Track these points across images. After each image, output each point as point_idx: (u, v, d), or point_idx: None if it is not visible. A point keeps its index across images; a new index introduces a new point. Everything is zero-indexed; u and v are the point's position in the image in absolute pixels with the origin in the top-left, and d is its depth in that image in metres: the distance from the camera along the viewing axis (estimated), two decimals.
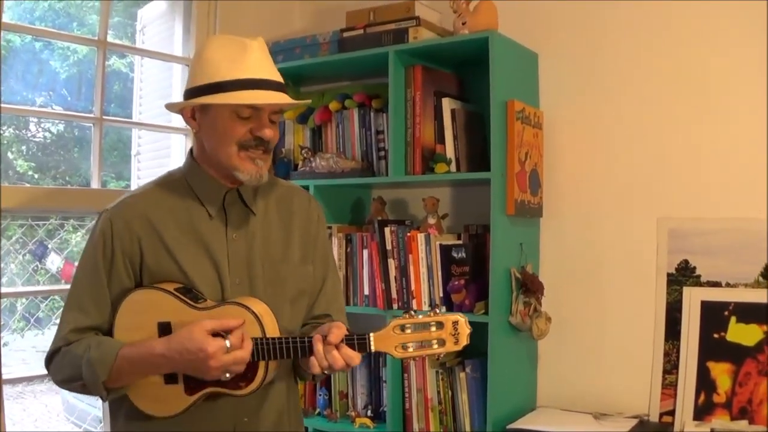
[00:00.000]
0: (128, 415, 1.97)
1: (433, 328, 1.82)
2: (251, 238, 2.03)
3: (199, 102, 1.92)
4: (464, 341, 1.83)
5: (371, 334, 1.84)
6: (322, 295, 2.17)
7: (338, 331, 1.84)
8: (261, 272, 2.02)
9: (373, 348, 1.84)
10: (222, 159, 1.96)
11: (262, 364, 1.88)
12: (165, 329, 1.89)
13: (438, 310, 1.84)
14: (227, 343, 1.78)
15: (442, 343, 1.82)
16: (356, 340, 1.85)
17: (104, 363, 1.83)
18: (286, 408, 2.11)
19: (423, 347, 1.83)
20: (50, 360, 1.95)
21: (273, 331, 1.90)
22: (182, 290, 1.92)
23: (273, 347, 1.85)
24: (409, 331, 1.82)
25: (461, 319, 1.82)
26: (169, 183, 2.06)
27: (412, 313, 1.83)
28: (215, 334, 1.80)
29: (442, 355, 1.86)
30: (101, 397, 1.91)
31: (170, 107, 2.07)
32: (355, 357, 1.85)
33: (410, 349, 1.83)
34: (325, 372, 1.88)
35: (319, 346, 1.83)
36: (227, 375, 1.82)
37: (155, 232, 1.96)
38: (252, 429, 2.00)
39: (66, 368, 1.91)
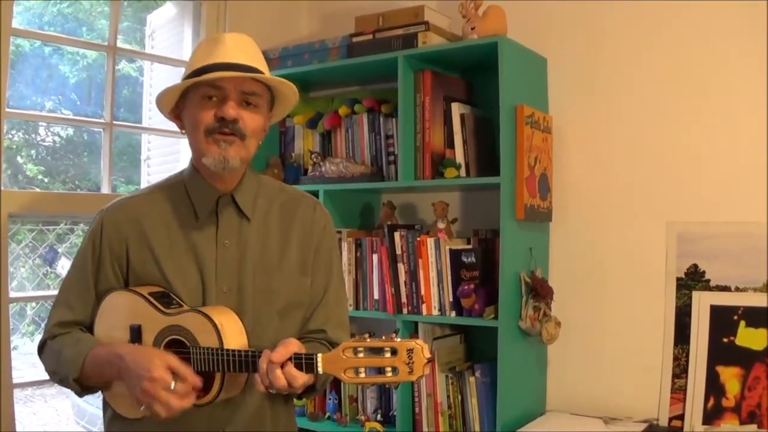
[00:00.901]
0: (111, 415, 2.00)
1: (387, 354, 1.66)
2: (244, 245, 2.00)
3: (169, 94, 1.94)
4: (419, 371, 1.65)
5: (319, 355, 1.73)
6: (321, 307, 2.11)
7: (284, 349, 1.76)
8: (252, 281, 1.98)
9: (320, 369, 1.72)
10: (194, 151, 1.96)
11: (218, 376, 1.83)
12: (136, 332, 1.89)
13: (394, 335, 1.69)
14: (172, 384, 1.75)
15: (395, 371, 1.66)
16: (304, 359, 1.74)
17: (76, 362, 1.86)
18: (269, 421, 2.06)
19: (375, 374, 1.70)
20: (41, 351, 2.00)
21: (237, 344, 1.85)
22: (157, 294, 1.92)
23: (223, 359, 1.80)
24: (361, 354, 1.68)
25: (417, 346, 1.65)
26: (167, 187, 2.07)
27: (367, 336, 1.70)
28: (174, 373, 1.77)
29: (395, 385, 1.74)
30: (76, 393, 1.93)
31: (159, 107, 2.05)
32: (299, 377, 1.75)
33: (362, 375, 1.69)
34: (270, 390, 1.79)
35: (263, 365, 1.75)
36: (142, 407, 1.77)
37: (143, 235, 1.97)
38: None
39: (49, 361, 1.96)
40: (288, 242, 2.06)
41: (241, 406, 1.99)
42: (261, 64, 1.98)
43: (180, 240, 1.97)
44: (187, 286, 1.95)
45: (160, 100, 2.00)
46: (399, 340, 1.67)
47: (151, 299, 1.90)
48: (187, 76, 1.93)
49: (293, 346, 1.79)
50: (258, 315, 1.96)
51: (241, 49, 1.95)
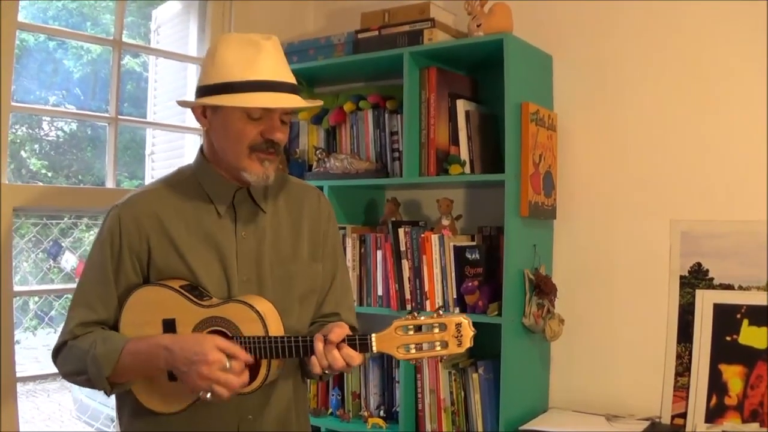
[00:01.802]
0: (132, 413, 2.00)
1: (436, 330, 1.79)
2: (261, 236, 2.03)
3: (211, 103, 1.92)
4: (467, 343, 1.79)
5: (373, 335, 1.82)
6: (331, 292, 2.17)
7: (339, 330, 1.84)
8: (270, 270, 2.02)
9: (374, 348, 1.82)
10: (231, 159, 1.97)
11: (264, 363, 1.88)
12: (169, 326, 1.91)
13: (441, 312, 1.81)
14: (227, 363, 1.79)
15: (445, 345, 1.79)
16: (358, 340, 1.83)
17: (109, 359, 1.85)
18: (293, 407, 2.11)
19: (426, 349, 1.81)
20: (57, 353, 1.98)
21: (276, 330, 1.90)
22: (188, 288, 1.93)
23: (274, 346, 1.84)
24: (411, 332, 1.80)
25: (464, 321, 1.80)
26: (179, 180, 2.07)
27: (415, 314, 1.81)
28: (224, 353, 1.80)
29: (446, 357, 1.84)
30: (105, 392, 1.92)
31: (182, 104, 2.08)
32: (356, 357, 1.84)
33: (413, 351, 1.81)
34: (326, 372, 1.86)
35: (319, 346, 1.83)
36: (209, 395, 1.80)
37: (163, 229, 1.97)
38: (256, 427, 2.01)
39: (71, 362, 1.93)
40: (299, 232, 2.10)
41: (272, 394, 2.03)
42: (291, 74, 2.00)
43: (199, 233, 1.99)
44: (211, 277, 1.96)
45: (187, 102, 2.02)
46: (446, 316, 1.80)
47: (184, 292, 1.91)
48: (226, 84, 1.90)
49: (346, 327, 1.87)
50: (280, 303, 1.98)
51: (281, 62, 1.97)
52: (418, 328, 1.80)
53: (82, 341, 1.91)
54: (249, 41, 1.94)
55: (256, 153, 1.93)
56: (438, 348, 1.80)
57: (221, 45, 1.95)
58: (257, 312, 1.87)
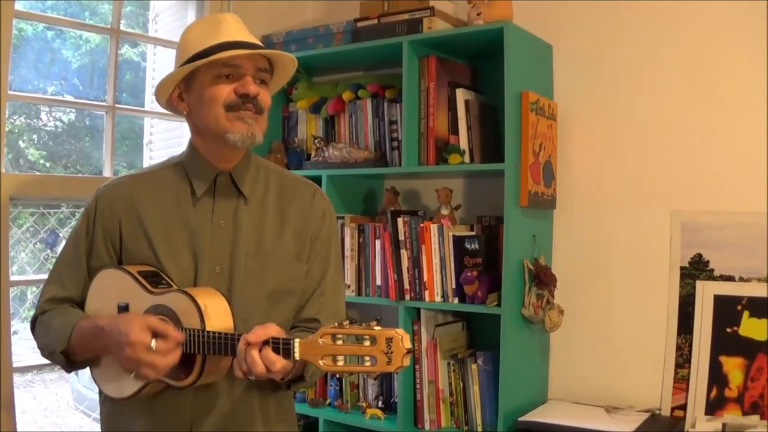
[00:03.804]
0: (103, 396, 2.01)
1: (367, 343, 1.58)
2: (239, 226, 1.98)
3: (177, 73, 1.92)
4: (398, 362, 1.56)
5: (297, 340, 1.64)
6: (316, 297, 2.07)
7: (261, 331, 1.70)
8: (243, 262, 1.96)
9: (297, 355, 1.64)
10: (212, 125, 1.92)
11: (198, 358, 1.80)
12: (123, 310, 1.89)
13: (374, 323, 1.60)
14: (153, 343, 1.72)
15: (373, 360, 1.57)
16: (281, 344, 1.67)
17: (63, 333, 1.86)
18: (258, 408, 2.02)
19: (353, 363, 1.61)
20: (33, 328, 2.00)
21: (221, 326, 1.80)
22: (146, 273, 1.91)
23: (201, 341, 1.76)
24: (340, 342, 1.60)
25: (397, 335, 1.56)
26: (167, 167, 2.06)
27: (346, 323, 1.62)
28: (155, 333, 1.75)
29: (374, 374, 1.68)
30: (63, 368, 1.94)
31: (158, 97, 2.04)
32: (277, 362, 1.67)
33: (339, 363, 1.61)
34: (248, 377, 1.74)
35: (241, 345, 1.70)
36: (133, 374, 1.76)
37: (136, 214, 1.96)
38: (207, 424, 1.94)
39: (38, 336, 1.97)
40: (284, 227, 2.03)
41: (227, 391, 1.96)
42: (257, 40, 1.99)
43: (175, 219, 1.96)
44: (178, 265, 1.93)
45: (162, 86, 1.98)
46: (378, 328, 1.58)
47: (140, 278, 1.88)
48: (191, 57, 1.90)
49: (272, 329, 1.73)
50: (247, 297, 1.93)
51: (243, 27, 1.97)
52: (348, 338, 1.61)
53: (47, 316, 1.95)
54: (209, 19, 1.97)
55: (234, 112, 1.89)
56: (367, 363, 1.58)
57: (184, 32, 2.00)
58: (197, 305, 1.80)
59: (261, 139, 1.94)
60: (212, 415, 1.95)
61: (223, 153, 1.96)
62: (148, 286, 1.87)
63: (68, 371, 1.98)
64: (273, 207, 2.04)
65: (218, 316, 1.82)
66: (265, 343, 1.69)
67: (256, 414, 2.01)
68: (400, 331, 1.58)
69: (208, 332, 1.76)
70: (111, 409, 1.99)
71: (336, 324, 1.62)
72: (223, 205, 1.98)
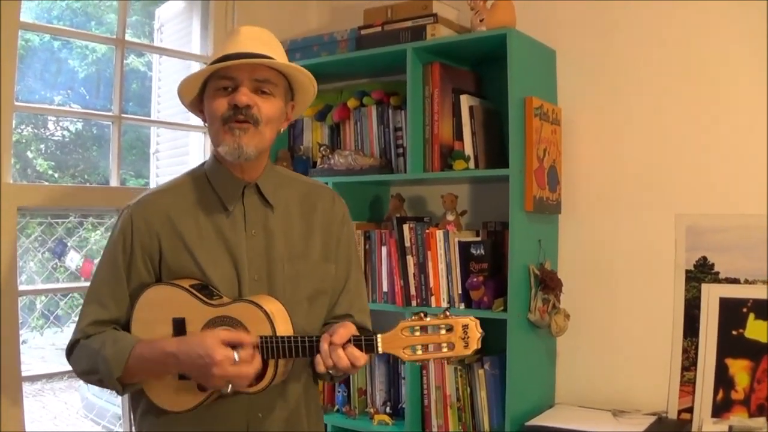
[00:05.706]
0: (144, 410, 2.00)
1: (443, 331, 1.78)
2: (271, 234, 2.02)
3: (184, 81, 1.97)
4: (474, 345, 1.78)
5: (379, 335, 1.82)
6: (344, 294, 2.15)
7: (344, 330, 1.84)
8: (281, 268, 2.01)
9: (380, 350, 1.82)
10: (212, 138, 1.96)
11: (271, 363, 1.87)
12: (179, 325, 1.90)
13: (448, 313, 1.80)
14: (236, 356, 1.78)
15: (451, 346, 1.78)
16: (364, 341, 1.83)
17: (118, 360, 1.85)
18: (303, 407, 2.10)
19: (432, 350, 1.80)
20: (70, 351, 1.99)
21: (285, 330, 1.88)
22: (198, 287, 1.93)
23: (280, 346, 1.84)
24: (418, 333, 1.80)
25: (471, 322, 1.78)
26: (191, 180, 2.07)
27: (422, 315, 1.80)
28: (229, 345, 1.80)
29: (452, 358, 1.84)
30: (117, 392, 1.93)
31: (180, 98, 2.07)
32: (361, 357, 1.83)
33: (419, 352, 1.80)
34: (331, 372, 1.86)
35: (324, 346, 1.82)
36: (229, 387, 1.81)
37: (174, 229, 1.97)
38: (266, 426, 2.00)
39: (83, 361, 1.94)
40: (311, 232, 2.09)
41: (282, 393, 2.02)
42: (276, 52, 1.97)
43: (209, 231, 1.98)
44: (222, 276, 1.96)
45: (180, 91, 2.02)
46: (453, 317, 1.78)
47: (194, 291, 1.90)
48: (204, 70, 1.95)
49: (352, 328, 1.87)
50: (288, 302, 1.97)
51: (254, 38, 1.96)
52: (425, 329, 1.80)
53: (93, 341, 1.92)
54: (231, 31, 2.02)
55: (228, 124, 1.90)
56: (444, 349, 1.78)
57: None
58: (265, 312, 1.86)
59: (252, 152, 1.93)
60: (269, 418, 2.01)
61: (241, 164, 1.99)
62: (204, 299, 1.89)
63: (122, 395, 1.99)
64: (297, 213, 2.09)
65: (282, 320, 1.90)
66: (348, 340, 1.84)
67: (302, 411, 2.09)
68: (473, 318, 1.79)
69: (286, 337, 1.85)
70: (156, 423, 1.98)
71: (413, 317, 1.80)
72: (253, 214, 2.02)
